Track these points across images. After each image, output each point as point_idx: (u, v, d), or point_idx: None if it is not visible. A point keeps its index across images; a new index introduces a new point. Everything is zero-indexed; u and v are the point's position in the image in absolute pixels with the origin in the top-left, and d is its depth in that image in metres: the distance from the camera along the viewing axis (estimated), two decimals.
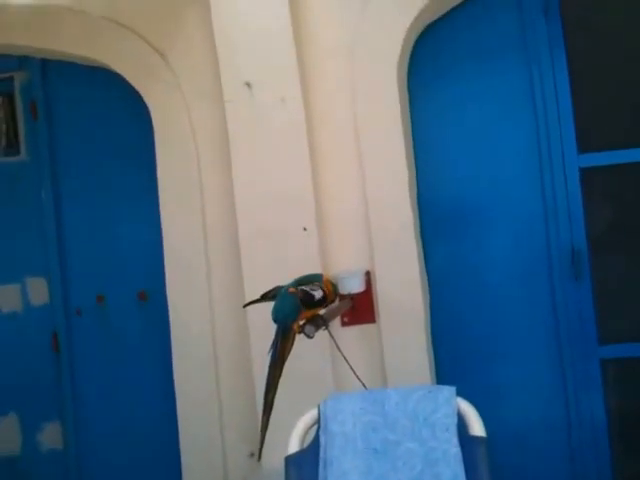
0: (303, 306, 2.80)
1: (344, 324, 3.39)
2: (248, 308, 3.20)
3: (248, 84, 3.40)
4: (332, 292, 2.92)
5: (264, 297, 2.99)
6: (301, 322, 2.82)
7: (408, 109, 3.50)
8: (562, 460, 3.43)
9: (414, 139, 3.52)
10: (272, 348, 2.84)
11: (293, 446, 2.52)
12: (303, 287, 2.80)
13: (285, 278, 2.93)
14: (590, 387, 3.40)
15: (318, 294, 2.80)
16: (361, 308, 3.36)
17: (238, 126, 3.43)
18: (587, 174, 3.41)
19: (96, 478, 3.92)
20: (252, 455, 3.53)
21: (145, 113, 3.69)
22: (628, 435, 3.44)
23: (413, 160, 3.49)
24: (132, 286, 3.88)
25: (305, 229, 3.35)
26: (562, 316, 3.41)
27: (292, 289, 2.83)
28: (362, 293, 3.31)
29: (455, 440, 2.41)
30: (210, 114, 3.58)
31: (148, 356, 3.84)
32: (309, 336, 2.81)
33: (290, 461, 2.50)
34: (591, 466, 3.41)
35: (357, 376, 2.92)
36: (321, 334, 2.91)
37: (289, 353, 2.84)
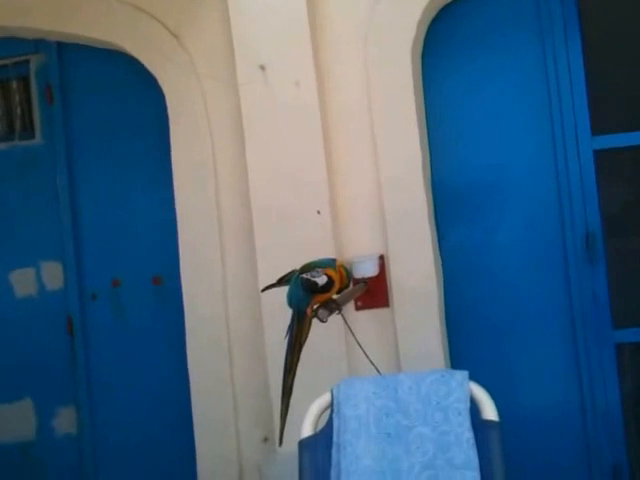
0: (308, 292, 2.78)
1: (358, 308, 3.39)
2: (262, 292, 3.20)
3: (262, 67, 3.40)
4: (345, 277, 2.88)
5: (280, 281, 2.99)
6: (315, 306, 2.81)
7: (422, 91, 3.49)
8: (576, 445, 3.42)
9: (428, 121, 3.50)
10: (288, 333, 2.85)
11: (307, 430, 2.53)
12: (304, 275, 2.76)
13: (299, 262, 2.91)
14: (604, 371, 3.39)
15: (321, 280, 2.75)
16: (375, 292, 3.36)
17: (252, 109, 3.43)
18: (601, 156, 3.39)
19: (111, 463, 3.93)
20: (266, 440, 3.54)
21: (160, 96, 3.69)
22: None
23: (427, 142, 3.48)
24: (147, 270, 3.88)
25: (319, 212, 3.35)
26: (576, 300, 3.39)
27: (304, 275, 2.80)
28: (376, 277, 3.32)
29: (468, 424, 2.41)
30: (224, 97, 3.58)
31: (162, 340, 3.84)
32: (322, 320, 2.80)
33: (304, 444, 2.51)
34: (605, 451, 3.40)
35: (370, 360, 2.91)
36: (335, 318, 2.90)
37: (306, 338, 2.85)
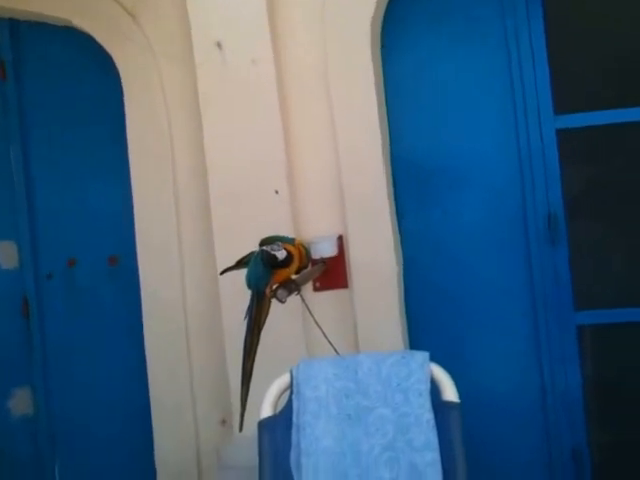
0: (268, 267, 2.76)
1: (316, 289, 3.36)
2: (218, 272, 3.18)
3: (219, 45, 3.36)
4: (304, 255, 2.88)
5: (239, 263, 2.97)
6: (274, 287, 2.79)
7: (381, 70, 3.45)
8: (536, 427, 3.42)
9: (387, 101, 3.47)
10: (247, 314, 2.83)
11: (266, 411, 2.53)
12: (264, 247, 2.75)
13: (257, 242, 2.88)
14: (565, 354, 3.39)
15: (281, 254, 2.75)
16: (333, 273, 3.33)
17: (209, 88, 3.39)
18: (564, 136, 3.37)
19: (68, 444, 3.89)
20: (224, 422, 3.52)
21: (115, 75, 3.64)
22: (603, 403, 3.44)
23: (386, 122, 3.44)
24: (103, 250, 3.82)
25: (277, 192, 3.31)
26: (538, 281, 3.38)
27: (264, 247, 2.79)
28: (334, 258, 3.30)
29: (428, 405, 2.42)
30: (181, 76, 3.53)
31: (119, 321, 3.80)
32: (281, 300, 2.79)
33: (263, 426, 2.51)
34: (565, 434, 3.40)
35: (329, 341, 2.91)
36: (293, 299, 2.88)
37: (265, 319, 2.84)
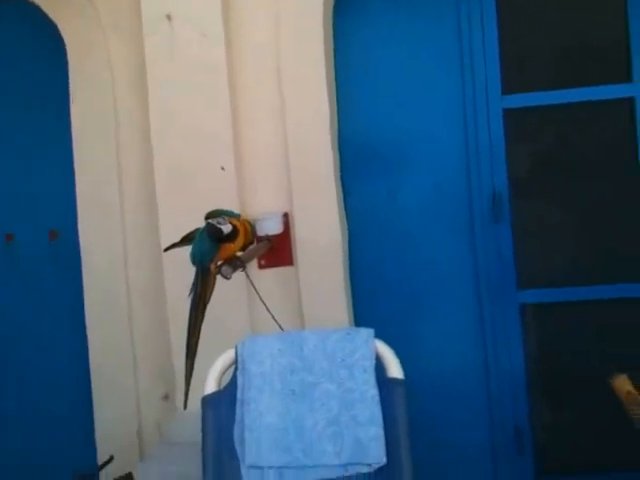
0: (213, 242, 2.75)
1: (261, 267, 3.37)
2: (163, 245, 3.17)
3: (169, 17, 3.32)
4: (250, 232, 2.88)
5: (184, 240, 2.95)
6: (218, 263, 2.79)
7: (332, 47, 3.45)
8: (479, 405, 3.49)
9: (337, 78, 3.48)
10: (192, 291, 2.82)
11: (210, 386, 2.51)
12: (209, 221, 2.74)
13: (202, 219, 2.86)
14: (508, 332, 3.46)
15: (226, 228, 2.74)
16: (279, 251, 3.34)
17: (157, 61, 3.35)
18: (510, 116, 3.42)
19: (6, 419, 3.85)
20: (166, 397, 3.52)
21: (61, 47, 3.58)
22: (545, 382, 3.51)
23: (335, 100, 3.45)
24: (43, 224, 3.78)
25: (223, 168, 3.30)
26: (482, 260, 3.44)
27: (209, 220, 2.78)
28: (280, 235, 3.30)
29: (373, 381, 2.43)
30: (129, 49, 3.50)
31: (59, 296, 3.77)
32: (226, 277, 2.79)
33: (207, 401, 2.49)
34: (507, 411, 3.48)
35: (274, 318, 2.92)
36: (238, 276, 2.89)
37: (210, 296, 2.83)
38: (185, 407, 2.87)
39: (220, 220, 2.75)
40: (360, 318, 3.39)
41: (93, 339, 3.57)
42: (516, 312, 3.46)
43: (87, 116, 3.56)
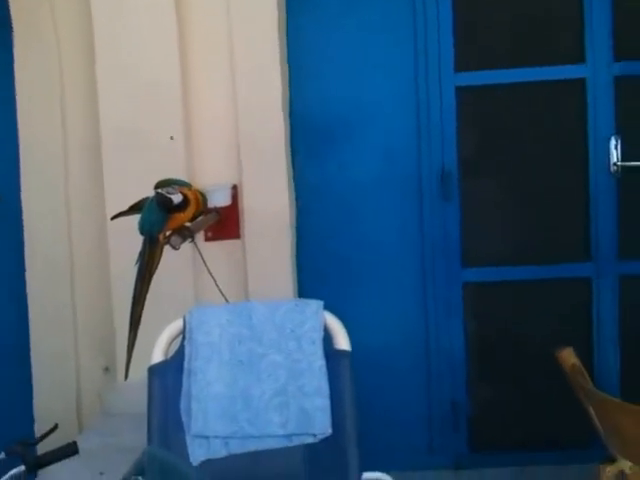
0: (163, 212, 2.74)
1: (208, 239, 3.35)
2: (108, 214, 3.15)
3: None
4: (201, 202, 2.86)
5: (132, 209, 2.92)
6: (167, 233, 2.79)
7: (285, 19, 3.46)
8: (418, 380, 3.57)
9: (289, 50, 3.48)
10: (139, 260, 2.81)
11: (157, 356, 2.51)
12: (159, 190, 2.73)
13: (148, 188, 2.84)
14: (451, 309, 3.54)
15: (177, 198, 2.73)
16: (226, 223, 3.34)
17: (104, 22, 3.31)
18: (462, 94, 3.47)
19: None
20: (107, 369, 3.51)
21: (5, 4, 3.50)
22: (484, 359, 3.59)
23: (287, 72, 3.46)
24: None
25: (172, 138, 3.29)
26: (428, 237, 3.50)
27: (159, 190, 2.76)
28: (228, 207, 3.30)
29: (320, 353, 2.48)
30: (74, 7, 3.44)
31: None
32: (175, 247, 2.79)
33: (154, 371, 2.49)
34: (446, 387, 3.57)
35: (220, 290, 2.95)
36: (184, 248, 2.89)
37: (157, 266, 2.82)
38: (126, 378, 2.86)
39: (170, 190, 2.74)
40: (306, 292, 3.41)
41: (34, 308, 3.53)
42: (459, 290, 3.53)
43: (30, 73, 3.50)
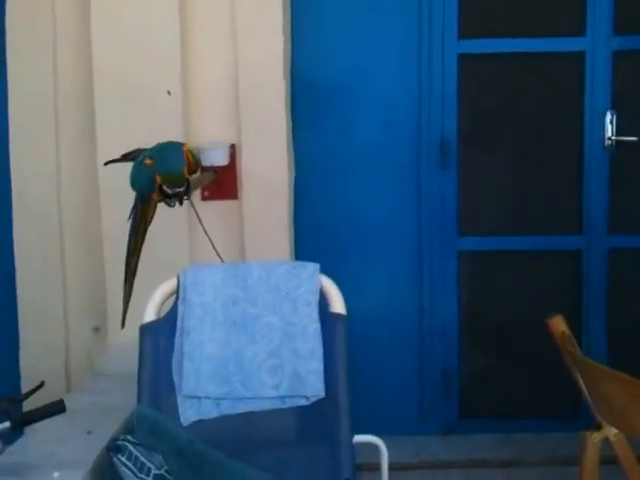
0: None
1: (204, 198, 3.35)
2: (100, 171, 3.17)
3: None
4: (193, 162, 2.79)
5: (125, 157, 2.89)
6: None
7: None
8: (411, 346, 3.63)
9: (293, 14, 3.47)
10: (132, 214, 2.80)
11: (149, 315, 2.54)
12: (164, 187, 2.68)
13: (142, 143, 2.84)
14: (445, 278, 3.58)
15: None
16: (223, 183, 3.34)
17: None
18: (465, 61, 3.48)
19: None
20: (97, 329, 3.49)
21: None
22: (476, 328, 3.65)
23: (289, 31, 3.44)
24: None
25: (169, 92, 3.27)
26: (425, 205, 3.53)
27: (148, 161, 2.70)
28: (226, 167, 3.29)
29: (315, 316, 2.51)
30: None
31: None
32: (170, 205, 2.79)
33: (145, 329, 2.52)
34: (437, 355, 3.62)
35: (216, 250, 2.94)
36: (179, 206, 2.85)
37: (152, 219, 2.80)
38: (122, 326, 2.85)
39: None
40: (301, 256, 3.41)
41: (21, 265, 3.48)
42: (454, 258, 3.57)
43: (23, 28, 3.44)
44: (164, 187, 2.67)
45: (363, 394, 2.82)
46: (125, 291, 2.79)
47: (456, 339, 3.61)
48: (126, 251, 2.80)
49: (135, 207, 2.79)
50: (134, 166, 2.78)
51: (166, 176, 2.66)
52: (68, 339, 3.53)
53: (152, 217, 2.81)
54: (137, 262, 2.80)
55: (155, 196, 2.74)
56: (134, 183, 2.77)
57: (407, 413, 3.64)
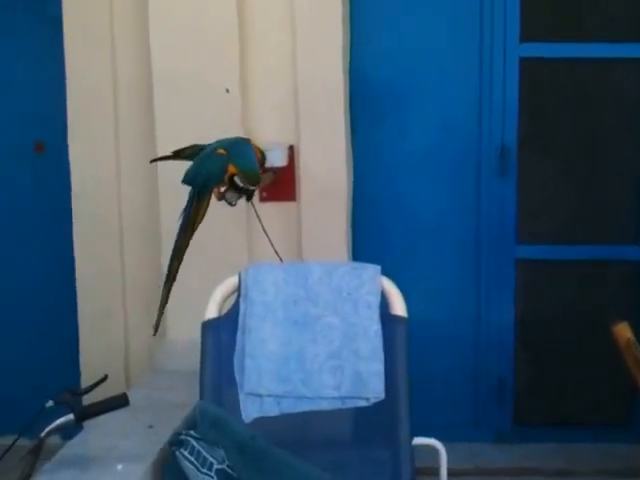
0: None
1: (262, 199, 3.39)
2: (160, 169, 3.22)
3: None
4: (261, 161, 2.88)
5: (177, 154, 2.93)
6: (222, 189, 2.82)
7: None
8: (466, 353, 3.67)
9: (352, 12, 3.50)
10: (183, 213, 2.82)
11: (211, 312, 2.59)
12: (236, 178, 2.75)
13: (202, 140, 2.91)
14: (502, 285, 3.61)
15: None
16: (282, 184, 3.38)
17: None
18: (526, 65, 3.50)
19: None
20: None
21: None
22: (532, 336, 3.67)
23: (349, 31, 3.48)
24: (28, 135, 3.73)
25: (228, 90, 3.31)
26: (484, 211, 3.57)
27: (221, 150, 2.77)
28: (284, 168, 3.33)
29: (377, 317, 2.55)
30: None
31: (44, 216, 3.76)
32: (231, 203, 2.84)
33: (207, 326, 2.57)
34: (493, 362, 3.66)
35: (275, 250, 2.99)
36: (237, 207, 2.95)
37: (201, 220, 2.83)
38: (154, 333, 2.91)
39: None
40: (358, 259, 3.42)
41: (81, 264, 3.55)
42: (512, 266, 3.60)
43: (81, 18, 3.48)
44: (236, 178, 2.73)
45: (416, 398, 2.86)
46: (162, 296, 2.83)
47: (512, 347, 3.64)
48: (172, 251, 2.83)
49: (189, 205, 2.81)
50: (200, 156, 2.82)
51: (244, 170, 2.73)
52: (127, 337, 3.62)
53: (202, 217, 2.82)
54: (178, 266, 2.83)
55: (217, 191, 2.78)
56: (197, 176, 2.78)
57: (460, 419, 3.68)
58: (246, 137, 3.04)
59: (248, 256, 3.33)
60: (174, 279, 2.85)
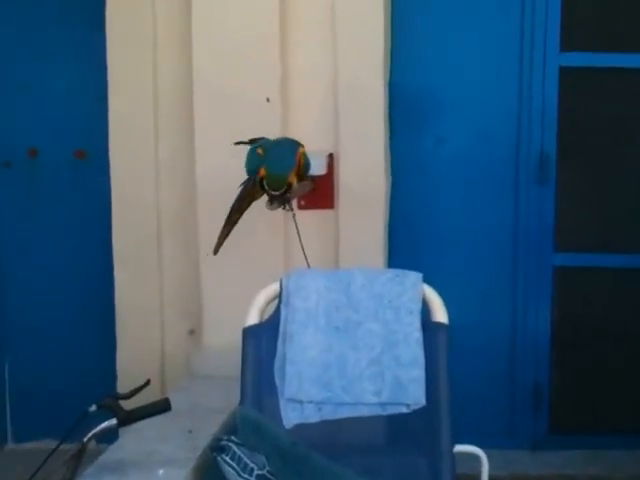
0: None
1: (301, 207, 3.41)
2: (198, 173, 3.32)
3: None
4: (303, 167, 2.94)
5: (252, 141, 3.04)
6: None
7: None
8: (503, 359, 3.70)
9: (394, 21, 3.54)
10: (243, 184, 2.99)
11: (252, 318, 2.61)
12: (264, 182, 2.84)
13: (238, 150, 2.99)
14: (539, 293, 3.64)
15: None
16: (320, 192, 3.40)
17: None
18: (567, 74, 3.53)
19: (25, 347, 3.94)
20: (192, 332, 3.59)
21: None
22: (569, 343, 3.70)
23: (390, 41, 3.51)
24: (69, 142, 3.79)
25: (268, 100, 3.35)
26: (522, 219, 3.59)
27: (260, 150, 2.89)
28: (323, 177, 3.35)
29: (418, 324, 2.58)
30: None
31: (85, 221, 3.82)
32: (271, 207, 2.94)
33: (248, 332, 2.59)
34: (529, 369, 3.69)
35: (306, 258, 3.04)
36: (275, 215, 3.04)
37: (256, 199, 2.97)
38: (215, 252, 3.01)
39: None
40: (394, 266, 3.35)
41: (119, 268, 3.59)
42: (550, 274, 3.63)
43: (122, 29, 3.52)
44: (264, 183, 2.81)
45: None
46: (224, 228, 2.95)
47: (548, 354, 3.67)
48: (230, 209, 2.95)
49: (247, 181, 2.95)
50: (249, 150, 2.95)
51: (270, 175, 2.81)
52: (163, 341, 3.65)
53: (257, 198, 2.97)
54: (239, 218, 2.97)
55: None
56: (245, 166, 2.95)
57: (496, 426, 3.70)
58: (299, 142, 3.06)
59: (285, 263, 3.36)
60: (235, 223, 3.00)
